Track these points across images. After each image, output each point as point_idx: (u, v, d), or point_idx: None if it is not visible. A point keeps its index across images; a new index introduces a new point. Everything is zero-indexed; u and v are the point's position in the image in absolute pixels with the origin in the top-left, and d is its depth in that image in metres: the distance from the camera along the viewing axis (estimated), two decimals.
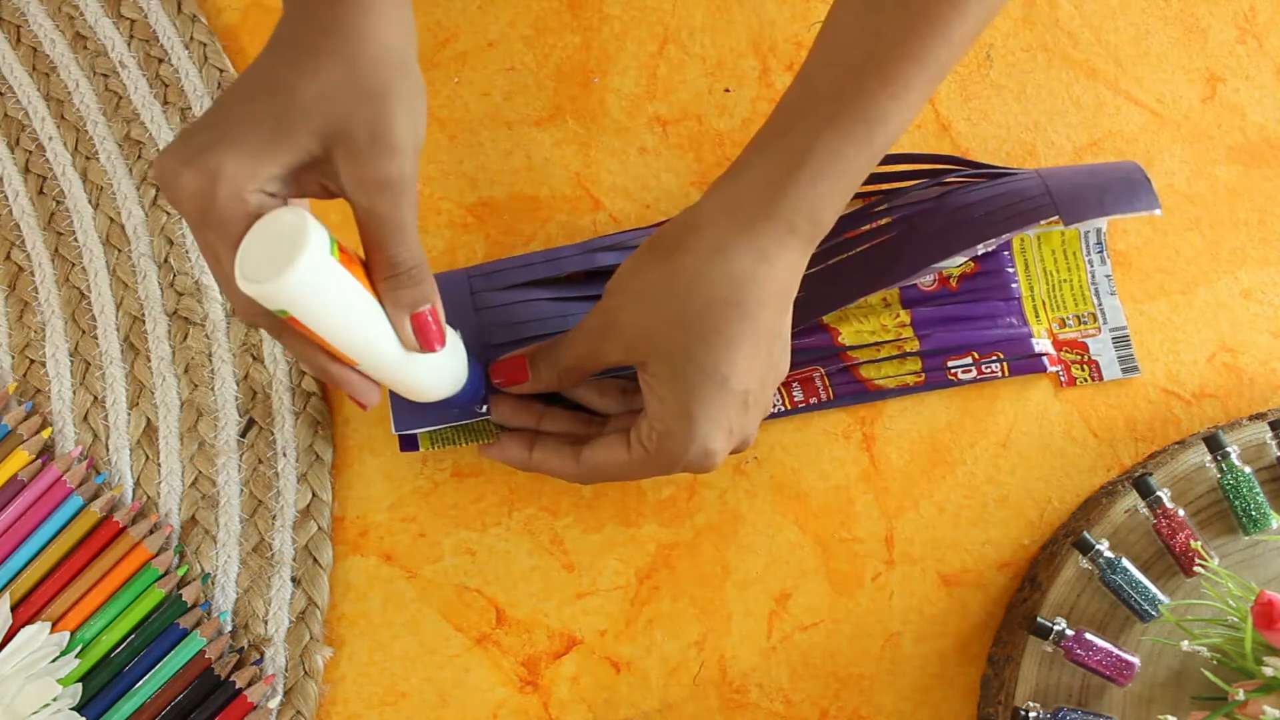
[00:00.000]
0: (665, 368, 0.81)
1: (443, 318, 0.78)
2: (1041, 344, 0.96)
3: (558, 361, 0.87)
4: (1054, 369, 0.96)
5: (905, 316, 0.96)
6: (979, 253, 0.93)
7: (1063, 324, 0.98)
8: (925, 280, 0.98)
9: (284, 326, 0.76)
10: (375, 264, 0.75)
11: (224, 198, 0.69)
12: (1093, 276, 0.99)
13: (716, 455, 0.82)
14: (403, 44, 0.74)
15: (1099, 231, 0.99)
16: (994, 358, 0.96)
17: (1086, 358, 0.97)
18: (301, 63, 0.72)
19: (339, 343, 0.73)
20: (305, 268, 0.67)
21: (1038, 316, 0.98)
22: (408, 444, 0.95)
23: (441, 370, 0.81)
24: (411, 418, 0.91)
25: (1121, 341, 0.97)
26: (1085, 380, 0.96)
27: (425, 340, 0.77)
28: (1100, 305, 0.98)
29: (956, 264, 0.95)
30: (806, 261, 0.82)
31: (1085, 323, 0.98)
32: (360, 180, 0.72)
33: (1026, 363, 0.96)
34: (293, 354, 0.86)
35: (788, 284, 0.81)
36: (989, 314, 0.97)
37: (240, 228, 0.70)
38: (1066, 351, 0.97)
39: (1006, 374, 0.95)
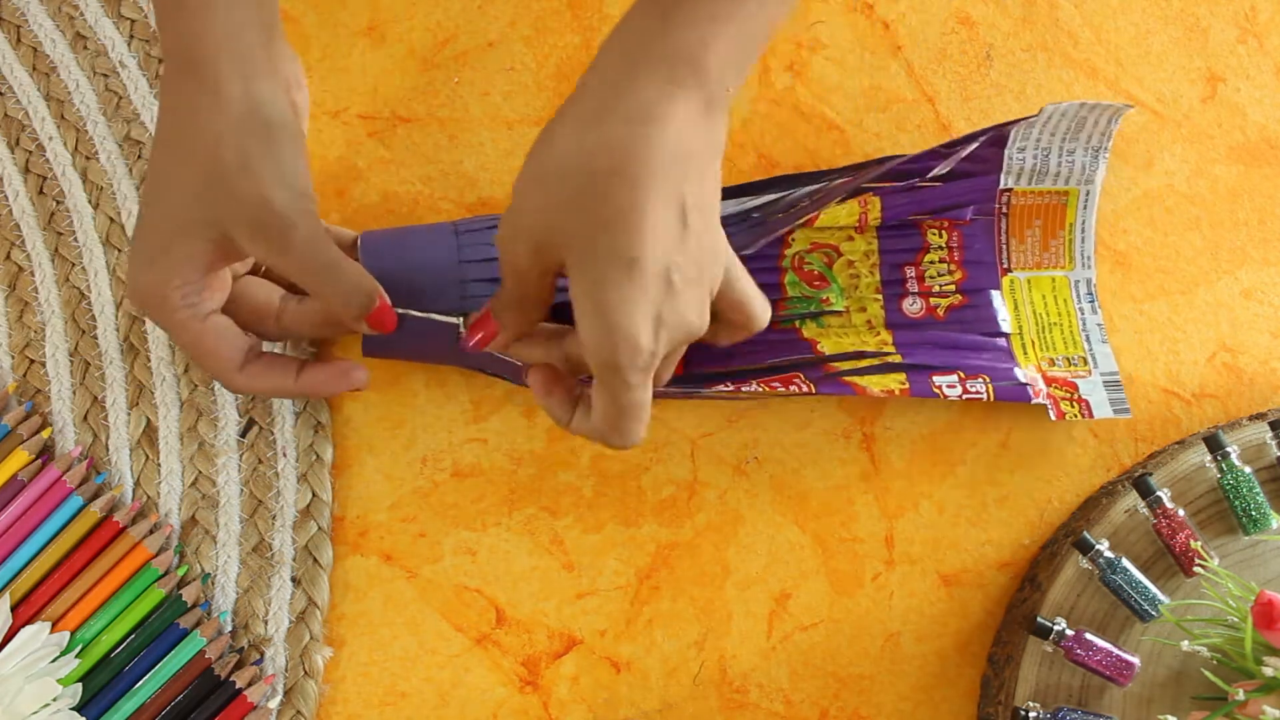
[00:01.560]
0: (574, 262, 0.72)
1: (387, 301, 0.82)
2: (1028, 374, 0.96)
3: (506, 299, 0.79)
4: (1041, 401, 0.94)
5: (887, 336, 0.96)
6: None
7: (1052, 363, 0.98)
8: (912, 308, 0.97)
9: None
10: (325, 301, 0.81)
11: (160, 313, 0.80)
12: (1084, 324, 0.99)
13: (644, 350, 0.71)
14: (253, 90, 0.77)
15: (1089, 281, 0.99)
16: (979, 379, 0.95)
17: (1076, 395, 0.96)
18: (169, 168, 0.78)
19: None
20: None
21: (1026, 353, 0.97)
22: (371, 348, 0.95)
23: None
24: (381, 349, 0.95)
25: (1113, 385, 0.97)
26: (1075, 416, 0.95)
27: (382, 327, 0.82)
28: (1091, 350, 0.98)
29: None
30: (717, 120, 0.74)
31: (1075, 365, 0.98)
32: (265, 259, 0.78)
33: (1012, 389, 0.95)
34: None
35: (689, 144, 0.72)
36: (974, 345, 0.97)
37: (179, 323, 0.80)
38: (1055, 388, 0.96)
39: (991, 398, 0.94)
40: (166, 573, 0.93)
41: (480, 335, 0.81)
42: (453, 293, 0.90)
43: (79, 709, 0.90)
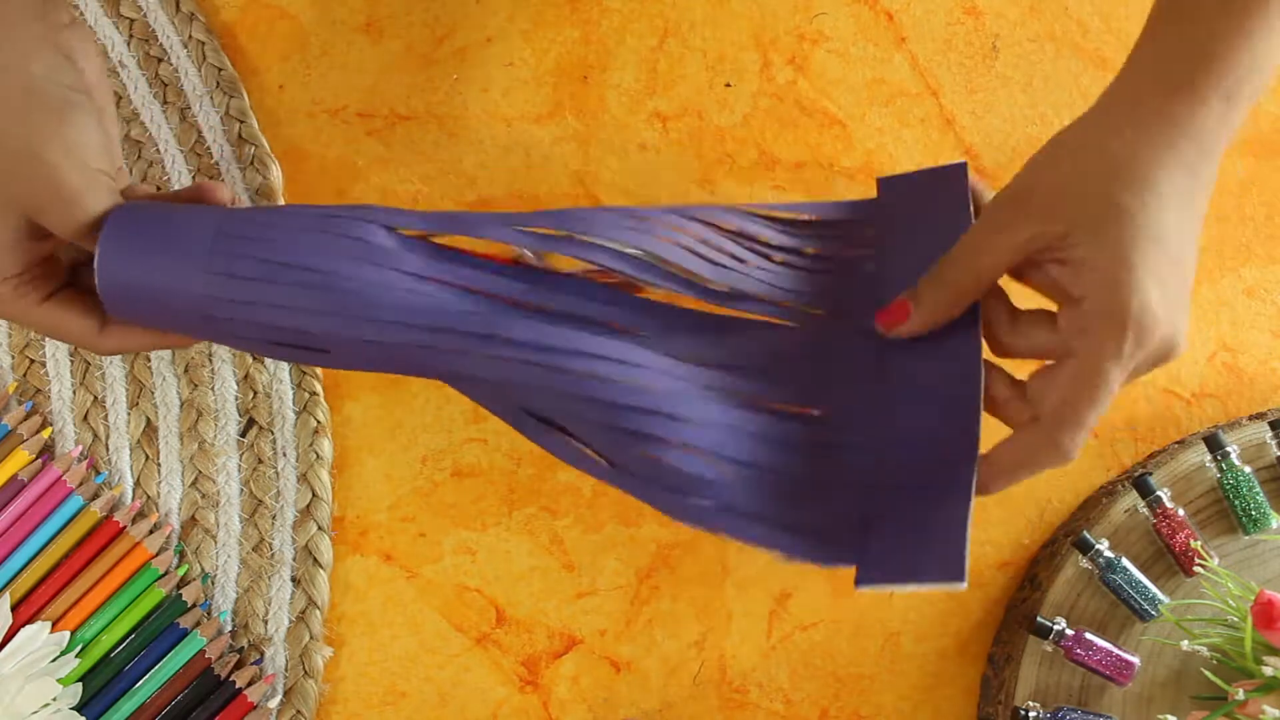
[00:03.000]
0: (1088, 228, 0.67)
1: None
2: None
3: (944, 276, 0.72)
4: None
5: None
6: None
7: None
8: None
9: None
10: None
11: None
12: None
13: (1159, 321, 0.67)
14: (28, 68, 0.75)
15: None
16: None
17: None
18: None
19: None
20: None
21: None
22: None
23: None
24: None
25: None
26: None
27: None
28: None
29: None
30: (1216, 159, 0.71)
31: None
32: (72, 238, 0.75)
33: None
34: None
35: (1204, 174, 0.70)
36: None
37: (19, 314, 0.77)
38: None
39: None
40: (166, 573, 0.93)
41: (886, 321, 0.74)
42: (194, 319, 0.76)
43: (79, 709, 0.91)
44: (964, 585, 0.64)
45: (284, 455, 0.96)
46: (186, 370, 0.97)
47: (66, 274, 0.78)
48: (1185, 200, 0.68)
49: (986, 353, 0.72)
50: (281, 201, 0.99)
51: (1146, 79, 0.71)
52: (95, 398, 0.96)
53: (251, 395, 0.96)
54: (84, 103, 0.75)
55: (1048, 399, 0.69)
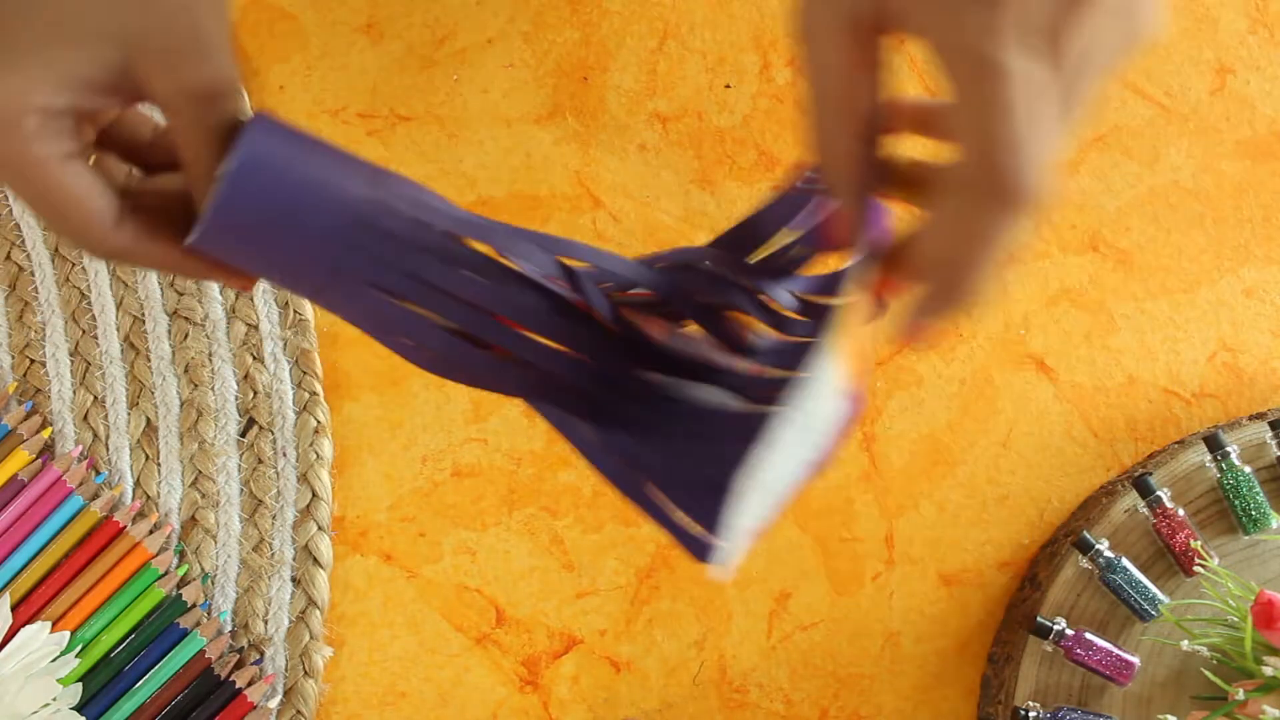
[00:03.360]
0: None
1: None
2: None
3: (826, 105, 0.56)
4: None
5: None
6: None
7: None
8: None
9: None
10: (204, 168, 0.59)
11: (4, 142, 0.56)
12: None
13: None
14: None
15: None
16: None
17: None
18: None
19: None
20: None
21: None
22: None
23: None
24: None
25: None
26: None
27: None
28: None
29: None
30: None
31: None
32: (168, 96, 0.57)
33: None
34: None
35: None
36: None
37: (33, 160, 0.57)
38: None
39: None
40: (166, 573, 0.93)
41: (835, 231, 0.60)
42: (329, 250, 0.61)
43: (79, 709, 0.91)
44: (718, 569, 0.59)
45: (284, 455, 0.96)
46: (186, 370, 0.97)
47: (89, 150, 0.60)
48: None
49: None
50: None
51: None
52: (95, 398, 0.96)
53: (251, 395, 0.96)
54: None
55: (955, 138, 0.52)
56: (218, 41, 0.58)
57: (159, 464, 0.96)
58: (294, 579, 0.94)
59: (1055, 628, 0.88)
